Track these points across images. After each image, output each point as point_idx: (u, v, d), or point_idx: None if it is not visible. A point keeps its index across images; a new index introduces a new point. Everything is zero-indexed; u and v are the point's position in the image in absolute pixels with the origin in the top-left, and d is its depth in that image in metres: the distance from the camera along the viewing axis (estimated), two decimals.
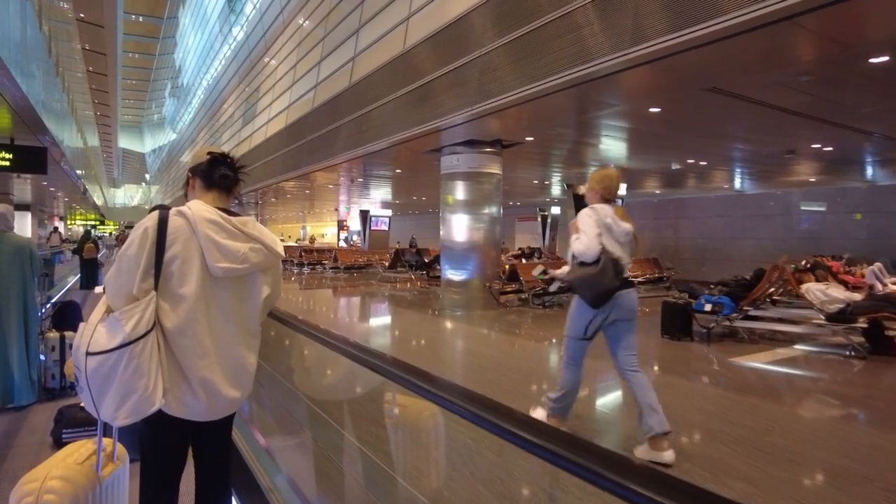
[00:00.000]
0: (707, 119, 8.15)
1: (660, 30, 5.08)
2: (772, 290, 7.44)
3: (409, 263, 15.73)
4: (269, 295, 1.91)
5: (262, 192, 23.19)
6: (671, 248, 17.62)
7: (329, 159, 12.97)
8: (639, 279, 14.43)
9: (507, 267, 11.51)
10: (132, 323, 1.60)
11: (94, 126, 39.78)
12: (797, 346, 7.09)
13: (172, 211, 1.74)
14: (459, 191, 10.22)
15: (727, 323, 7.37)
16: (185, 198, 1.90)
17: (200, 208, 1.76)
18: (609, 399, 5.01)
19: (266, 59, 20.78)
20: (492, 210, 10.29)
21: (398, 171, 14.52)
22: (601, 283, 3.37)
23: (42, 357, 4.54)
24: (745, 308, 7.30)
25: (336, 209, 33.01)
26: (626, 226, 3.53)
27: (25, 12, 9.49)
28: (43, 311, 5.18)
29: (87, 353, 1.60)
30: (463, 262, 10.23)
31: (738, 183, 16.45)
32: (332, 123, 12.78)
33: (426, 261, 16.16)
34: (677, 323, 7.48)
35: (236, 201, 2.39)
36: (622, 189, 13.57)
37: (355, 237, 46.37)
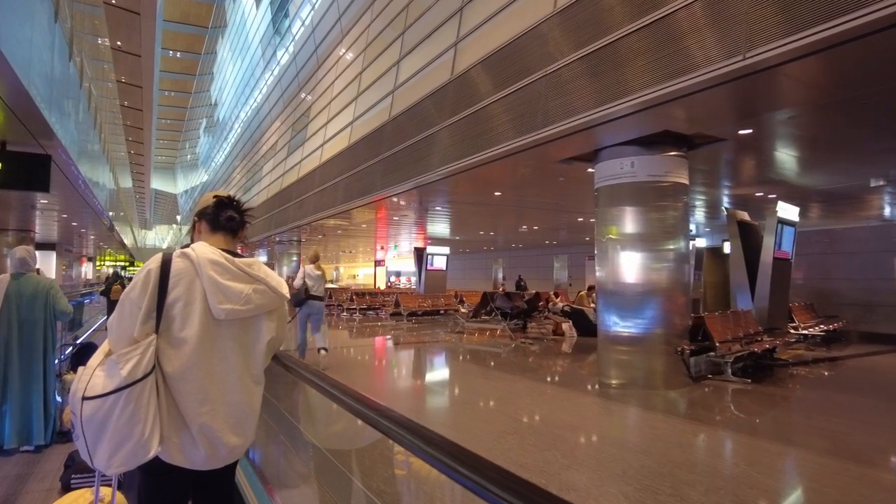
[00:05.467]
0: None
1: None
2: None
3: (501, 310, 12.50)
4: (274, 338, 1.85)
5: (305, 229, 20.44)
6: (822, 292, 14.08)
7: (417, 177, 10.02)
8: (810, 330, 11.05)
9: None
10: (129, 366, 1.55)
11: (128, 167, 38.24)
12: None
13: (176, 253, 1.70)
14: (629, 212, 7.09)
15: None
16: (192, 241, 1.84)
17: (205, 250, 1.72)
18: None
19: (319, 76, 18.29)
20: (679, 242, 7.10)
21: (497, 193, 11.50)
22: (298, 296, 7.97)
23: (59, 399, 4.56)
24: None
25: (382, 247, 30.12)
26: (318, 272, 8.30)
27: (68, 65, 8.48)
28: (67, 352, 5.34)
29: (83, 398, 1.54)
30: (636, 311, 6.98)
31: (888, 210, 13.13)
32: (421, 132, 9.88)
33: (522, 307, 12.91)
34: None
35: (242, 244, 1.92)
36: (794, 214, 10.42)
37: (394, 278, 43.70)
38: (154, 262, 1.69)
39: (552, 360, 9.82)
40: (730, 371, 7.38)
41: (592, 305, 13.61)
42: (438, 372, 8.96)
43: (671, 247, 7.03)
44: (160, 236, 78.84)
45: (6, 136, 7.01)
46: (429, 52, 10.13)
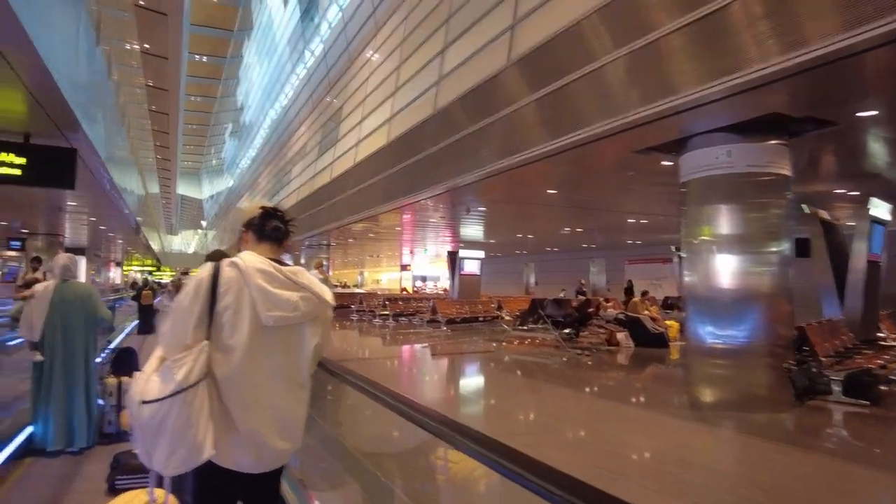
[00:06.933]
0: None
1: None
2: None
3: (551, 318, 11.61)
4: (318, 344, 1.89)
5: (336, 233, 19.75)
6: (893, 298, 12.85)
7: (467, 173, 9.25)
8: None
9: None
10: (183, 371, 1.60)
11: (155, 172, 38.18)
12: None
13: (225, 262, 1.76)
14: (724, 209, 6.19)
15: None
16: (238, 251, 1.88)
17: (252, 259, 1.77)
18: None
19: (353, 72, 17.63)
20: (782, 243, 6.16)
21: (550, 190, 10.64)
22: None
23: (101, 402, 4.63)
24: None
25: (411, 251, 29.38)
26: (321, 277, 12.46)
27: (95, 52, 8.12)
28: (103, 356, 5.50)
29: (141, 402, 1.60)
30: (733, 320, 6.06)
31: None
32: (473, 124, 9.10)
33: (573, 315, 12.00)
34: None
35: (286, 253, 2.13)
36: (887, 212, 9.39)
37: (420, 282, 42.91)
38: (205, 271, 1.74)
39: (618, 373, 8.94)
40: (839, 390, 6.40)
41: (647, 312, 12.68)
42: (498, 388, 8.09)
43: (773, 249, 6.10)
44: (185, 241, 79.30)
45: (30, 129, 6.39)
46: (483, 33, 9.29)
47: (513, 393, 7.51)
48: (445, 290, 28.78)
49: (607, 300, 14.00)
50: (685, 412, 6.06)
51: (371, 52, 15.95)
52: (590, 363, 9.89)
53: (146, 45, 25.21)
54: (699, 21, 5.35)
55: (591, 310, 12.89)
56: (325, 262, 24.98)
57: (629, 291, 17.18)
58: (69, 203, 12.58)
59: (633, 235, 19.55)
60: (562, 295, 14.33)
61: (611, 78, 6.44)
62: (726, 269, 6.15)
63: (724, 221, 6.20)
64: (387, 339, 13.83)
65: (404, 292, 31.26)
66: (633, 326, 11.78)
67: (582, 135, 6.85)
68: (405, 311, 19.22)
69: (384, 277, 49.07)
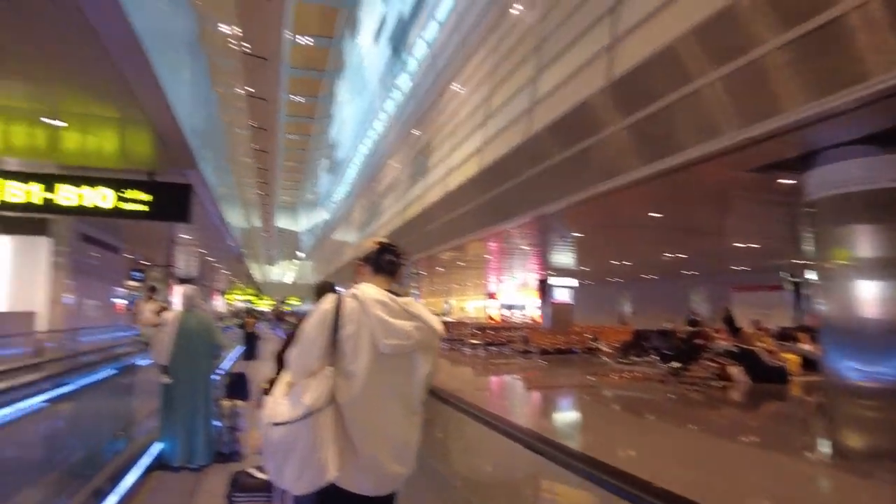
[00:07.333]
0: None
1: None
2: None
3: (658, 351, 10.93)
4: (429, 372, 1.97)
5: (424, 263, 19.94)
6: None
7: (560, 200, 9.02)
8: None
9: None
10: (311, 396, 1.72)
11: (257, 207, 40.77)
12: None
13: (347, 294, 1.89)
14: (865, 230, 5.55)
15: None
16: (355, 282, 2.02)
17: (370, 291, 1.90)
18: None
19: (440, 107, 17.96)
20: None
21: (654, 213, 10.11)
22: None
23: (217, 423, 4.92)
24: None
25: (499, 279, 29.11)
26: None
27: (210, 100, 8.96)
28: (218, 380, 5.69)
29: (273, 424, 1.74)
30: (883, 356, 5.32)
31: None
32: (561, 152, 8.90)
33: (682, 346, 11.24)
34: None
35: (398, 284, 2.11)
36: None
37: (505, 311, 42.33)
38: (328, 302, 1.86)
39: (739, 412, 8.26)
40: None
41: (761, 343, 11.66)
42: (606, 426, 7.60)
43: None
44: (282, 271, 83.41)
45: (154, 167, 6.87)
46: (577, 57, 9.07)
47: (623, 431, 7.03)
48: (534, 319, 28.20)
49: (717, 331, 13.03)
50: (834, 461, 5.38)
51: (459, 84, 16.17)
52: (702, 400, 9.17)
53: (250, 89, 27.18)
54: (824, 27, 4.88)
55: (699, 342, 12.04)
56: (413, 291, 25.27)
57: (730, 321, 15.80)
58: (181, 236, 13.53)
59: (738, 261, 18.26)
60: (668, 326, 13.50)
61: (722, 93, 6.01)
62: (871, 297, 5.45)
63: (866, 243, 5.54)
64: (481, 369, 13.61)
65: (491, 321, 30.93)
66: (748, 360, 10.83)
67: (690, 154, 6.47)
68: (495, 340, 18.94)
69: (470, 305, 48.91)
